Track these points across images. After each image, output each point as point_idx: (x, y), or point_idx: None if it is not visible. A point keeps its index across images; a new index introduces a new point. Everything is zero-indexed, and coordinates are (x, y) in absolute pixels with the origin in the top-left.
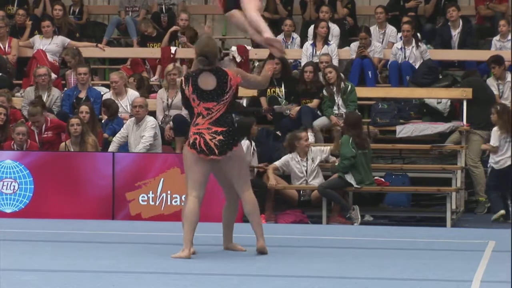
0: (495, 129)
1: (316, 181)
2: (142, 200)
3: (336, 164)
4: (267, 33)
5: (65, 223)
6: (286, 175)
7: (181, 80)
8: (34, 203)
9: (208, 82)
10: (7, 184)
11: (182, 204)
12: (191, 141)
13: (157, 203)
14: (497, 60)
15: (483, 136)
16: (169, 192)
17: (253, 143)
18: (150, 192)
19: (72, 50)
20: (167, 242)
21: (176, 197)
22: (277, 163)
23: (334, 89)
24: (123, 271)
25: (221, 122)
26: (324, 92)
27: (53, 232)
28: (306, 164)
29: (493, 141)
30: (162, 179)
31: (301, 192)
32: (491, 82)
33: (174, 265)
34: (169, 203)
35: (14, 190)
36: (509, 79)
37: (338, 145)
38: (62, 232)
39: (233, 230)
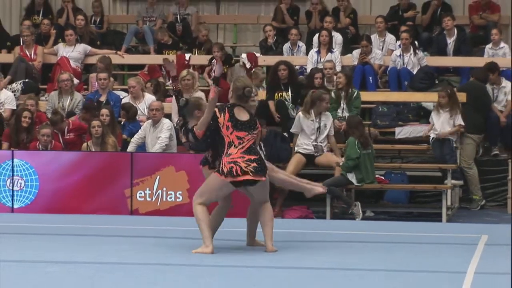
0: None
1: (323, 142)
2: (139, 197)
3: (341, 164)
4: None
5: (88, 218)
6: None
7: (216, 110)
8: (57, 199)
9: (243, 114)
10: (16, 181)
11: (177, 200)
12: (226, 170)
13: (153, 199)
14: (491, 68)
15: (475, 139)
16: (164, 189)
17: (261, 145)
18: (147, 189)
19: (106, 58)
20: (182, 237)
21: (171, 194)
22: (292, 130)
23: (342, 94)
24: (143, 263)
25: (252, 151)
26: (333, 94)
27: (76, 227)
28: (318, 123)
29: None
30: (158, 177)
31: (314, 149)
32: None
33: (189, 258)
34: (164, 199)
35: (21, 187)
36: (504, 84)
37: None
38: (83, 227)
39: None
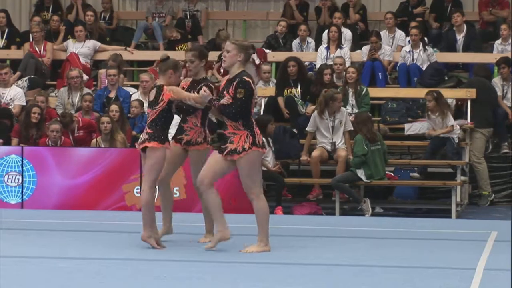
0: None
1: (339, 138)
2: (136, 192)
3: (351, 160)
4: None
5: (97, 214)
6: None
7: (250, 81)
8: (67, 195)
9: None
10: (10, 178)
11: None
12: (261, 141)
13: None
14: (507, 61)
15: (485, 134)
16: None
17: (270, 141)
18: None
19: (117, 56)
20: (183, 232)
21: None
22: (308, 129)
23: (350, 90)
24: (150, 259)
25: None
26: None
27: (86, 223)
28: (333, 122)
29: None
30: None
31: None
32: (496, 82)
33: (196, 254)
34: None
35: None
36: None
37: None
38: (93, 223)
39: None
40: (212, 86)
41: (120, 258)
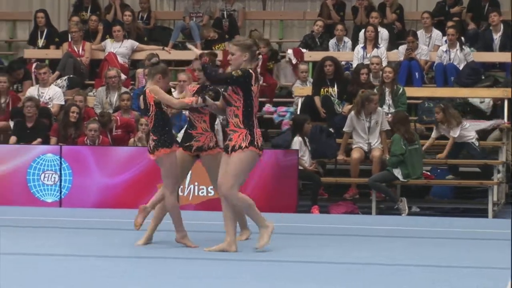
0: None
1: (375, 139)
2: None
3: (387, 159)
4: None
5: (135, 213)
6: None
7: (251, 72)
8: (105, 194)
9: None
10: (48, 175)
11: (209, 194)
12: (260, 143)
13: (185, 193)
14: None
15: None
16: (196, 183)
17: (307, 140)
18: None
19: (153, 56)
20: (213, 230)
21: (203, 188)
22: (345, 129)
23: (387, 90)
24: (178, 258)
25: None
26: (375, 90)
27: (125, 221)
28: (369, 123)
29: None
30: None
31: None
32: None
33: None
34: (196, 194)
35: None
36: None
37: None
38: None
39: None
40: (219, 90)
41: (155, 256)
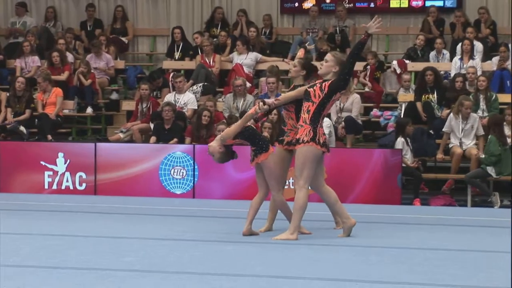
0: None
1: (469, 140)
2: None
3: (482, 157)
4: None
5: (227, 203)
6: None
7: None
8: (233, 189)
9: None
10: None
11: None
12: (323, 141)
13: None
14: None
15: None
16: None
17: (409, 141)
18: None
19: (273, 68)
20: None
21: None
22: (444, 129)
23: (481, 96)
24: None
25: None
26: (470, 97)
27: (215, 210)
28: (464, 125)
29: None
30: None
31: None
32: None
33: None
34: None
35: (183, 176)
36: None
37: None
38: (223, 210)
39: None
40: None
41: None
